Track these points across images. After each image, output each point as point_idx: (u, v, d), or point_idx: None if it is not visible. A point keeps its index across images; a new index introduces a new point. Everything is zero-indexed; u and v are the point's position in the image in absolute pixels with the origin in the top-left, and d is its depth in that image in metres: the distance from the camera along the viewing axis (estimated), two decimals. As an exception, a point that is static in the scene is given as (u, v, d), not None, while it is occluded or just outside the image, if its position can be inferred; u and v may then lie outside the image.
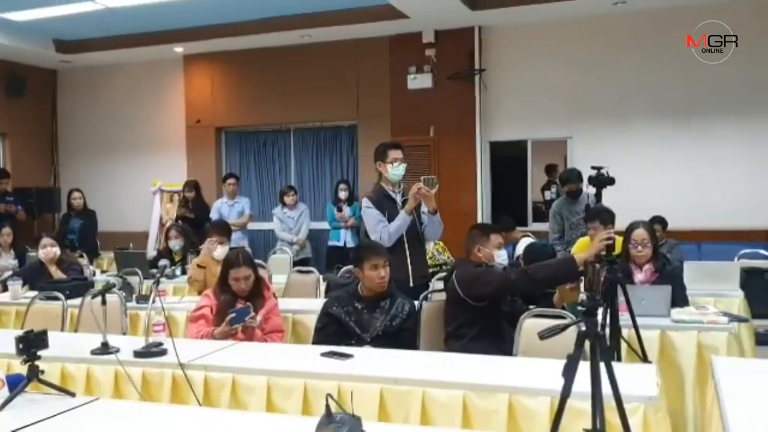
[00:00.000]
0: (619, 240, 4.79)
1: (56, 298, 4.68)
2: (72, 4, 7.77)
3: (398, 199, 4.57)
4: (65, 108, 10.89)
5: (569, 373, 1.99)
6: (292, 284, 5.81)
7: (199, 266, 5.11)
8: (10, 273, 5.99)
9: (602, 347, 2.00)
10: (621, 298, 3.52)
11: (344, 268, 5.82)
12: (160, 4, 7.72)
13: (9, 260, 6.98)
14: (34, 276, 5.59)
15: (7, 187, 8.90)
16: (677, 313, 3.95)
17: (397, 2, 7.52)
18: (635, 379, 2.71)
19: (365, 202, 4.60)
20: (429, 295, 4.23)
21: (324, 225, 8.80)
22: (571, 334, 3.27)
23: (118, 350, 3.35)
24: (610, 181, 5.61)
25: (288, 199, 8.24)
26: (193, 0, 7.64)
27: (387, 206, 4.51)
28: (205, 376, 3.13)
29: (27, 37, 9.16)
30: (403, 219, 4.42)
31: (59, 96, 10.91)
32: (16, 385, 2.69)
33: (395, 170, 4.55)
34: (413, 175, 7.66)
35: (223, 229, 5.35)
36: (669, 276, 4.34)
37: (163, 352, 3.31)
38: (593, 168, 5.61)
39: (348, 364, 3.14)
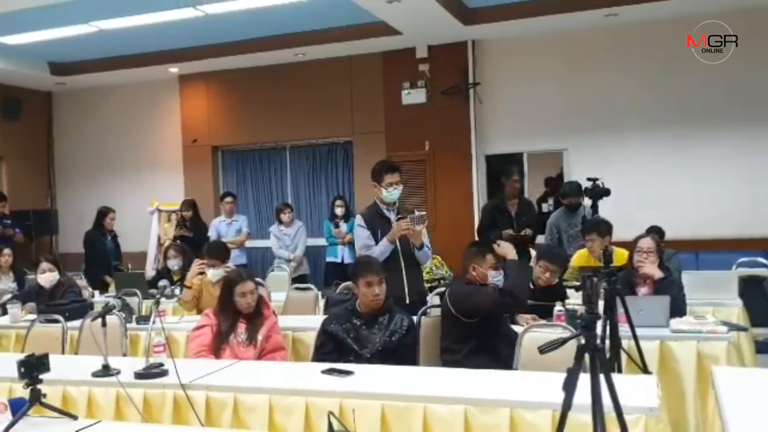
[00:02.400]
0: (620, 251, 4.83)
1: (56, 321, 4.67)
2: (66, 27, 7.80)
3: (392, 217, 4.58)
4: (61, 130, 10.92)
5: (570, 386, 2.00)
6: (290, 301, 5.81)
7: (186, 286, 5.12)
8: (9, 296, 5.97)
9: (602, 360, 2.01)
10: (620, 310, 3.53)
11: (343, 285, 5.83)
12: (154, 25, 7.75)
13: (9, 283, 6.95)
14: (33, 299, 5.58)
15: (5, 210, 8.89)
16: (676, 323, 3.97)
17: (390, 19, 7.58)
18: (636, 390, 2.72)
19: (358, 219, 4.68)
20: (428, 311, 4.24)
21: (321, 241, 8.81)
22: (572, 347, 3.32)
23: (119, 372, 3.34)
24: (606, 192, 5.66)
25: (284, 217, 8.23)
26: (187, 20, 7.67)
27: (380, 225, 4.55)
28: (206, 396, 3.12)
29: (22, 60, 9.20)
30: (385, 246, 4.45)
31: (55, 118, 10.94)
32: (18, 408, 2.69)
33: (390, 194, 4.59)
34: (409, 190, 7.76)
35: (217, 252, 5.27)
36: (668, 284, 4.36)
37: (164, 373, 3.31)
38: (589, 179, 5.67)
39: (349, 381, 3.14)
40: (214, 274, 5.02)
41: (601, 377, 2.03)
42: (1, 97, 9.98)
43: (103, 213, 8.28)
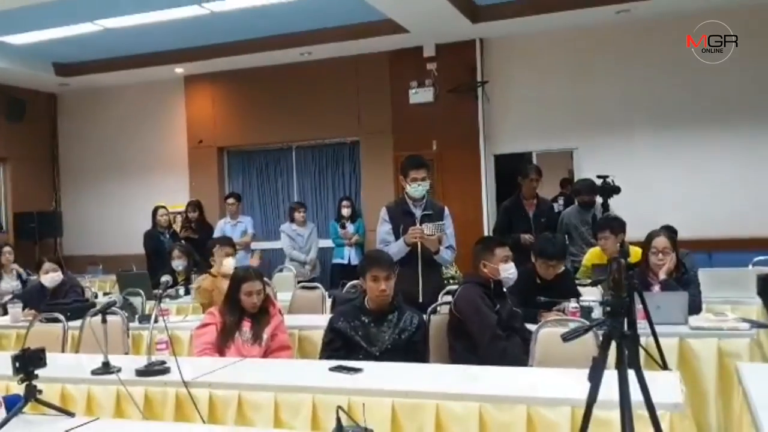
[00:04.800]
0: (634, 249, 4.70)
1: (57, 320, 4.57)
2: (71, 26, 7.75)
3: (418, 214, 4.54)
4: (66, 131, 10.86)
5: (595, 376, 1.88)
6: (297, 301, 5.70)
7: (211, 275, 5.05)
8: (10, 296, 5.89)
9: (630, 349, 1.88)
10: (638, 306, 3.41)
11: (349, 284, 5.73)
12: (159, 24, 7.71)
13: (11, 282, 6.86)
14: (35, 299, 5.49)
15: None
16: (695, 320, 3.86)
17: (397, 17, 7.50)
18: (658, 386, 2.59)
19: (383, 212, 4.66)
20: (438, 308, 4.13)
21: (328, 243, 8.70)
22: (590, 341, 3.20)
23: (119, 370, 3.24)
24: (616, 189, 5.54)
25: (298, 216, 8.00)
26: (193, 20, 7.62)
27: (403, 220, 4.51)
28: (209, 394, 3.01)
29: (26, 60, 9.15)
30: (399, 247, 4.41)
31: (59, 119, 10.89)
32: (13, 405, 2.59)
33: (414, 189, 4.55)
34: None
35: (231, 243, 5.37)
36: (685, 282, 4.24)
37: (166, 371, 3.21)
38: (599, 177, 5.56)
39: (357, 378, 3.03)
40: (229, 264, 5.00)
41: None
42: (5, 99, 9.93)
43: (154, 210, 8.15)
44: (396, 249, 4.39)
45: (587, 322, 3.38)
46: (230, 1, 7.12)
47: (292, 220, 8.05)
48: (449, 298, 4.16)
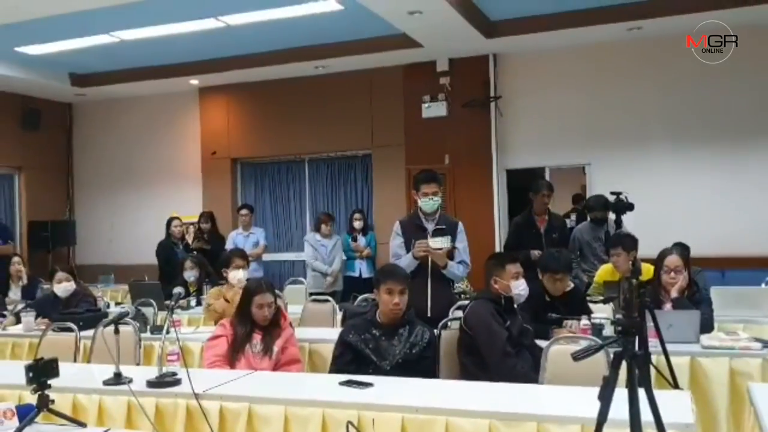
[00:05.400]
0: (646, 266, 4.69)
1: (69, 330, 4.60)
2: (87, 38, 7.84)
3: (430, 228, 4.57)
4: (80, 141, 10.97)
5: (606, 395, 1.87)
6: (308, 314, 5.71)
7: (225, 299, 5.02)
8: (23, 305, 5.92)
9: (641, 368, 1.88)
10: (649, 324, 3.40)
11: (360, 297, 5.74)
12: (175, 36, 7.77)
13: (19, 293, 6.91)
14: (47, 308, 5.52)
15: None
16: (707, 339, 3.83)
17: (412, 32, 7.53)
18: (669, 405, 2.57)
19: (396, 225, 4.71)
20: (448, 323, 4.12)
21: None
22: (600, 359, 3.19)
23: (131, 380, 3.25)
24: (630, 206, 5.54)
25: (324, 228, 7.89)
26: (209, 33, 7.69)
27: (415, 235, 4.53)
28: (220, 406, 3.02)
29: (43, 70, 9.25)
30: (409, 260, 4.45)
31: (74, 129, 11.00)
32: (26, 415, 2.61)
33: (425, 203, 4.59)
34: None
35: (243, 255, 5.35)
36: (697, 301, 4.22)
37: (177, 382, 3.22)
38: (612, 193, 5.55)
39: (368, 392, 3.03)
40: (242, 276, 4.99)
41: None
42: (22, 108, 10.05)
43: (168, 221, 8.20)
44: (405, 263, 4.42)
45: (598, 340, 3.38)
46: (246, 15, 7.17)
47: (318, 230, 7.96)
48: (460, 313, 4.15)
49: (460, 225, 4.70)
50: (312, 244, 7.91)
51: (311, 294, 6.78)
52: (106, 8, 6.36)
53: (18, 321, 5.47)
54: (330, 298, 5.89)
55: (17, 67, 8.91)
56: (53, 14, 6.52)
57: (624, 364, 1.93)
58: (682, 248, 5.62)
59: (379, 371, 3.54)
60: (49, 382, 2.68)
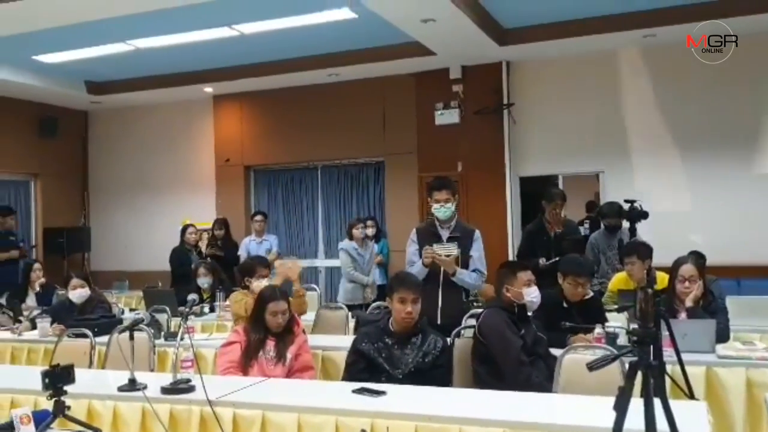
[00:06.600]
0: (661, 275, 4.66)
1: (84, 336, 4.63)
2: (103, 46, 7.91)
3: (444, 235, 4.59)
4: (96, 148, 11.06)
5: (621, 406, 1.86)
6: (320, 321, 5.72)
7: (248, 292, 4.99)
8: (38, 311, 5.97)
9: (657, 379, 1.87)
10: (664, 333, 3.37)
11: (373, 305, 5.74)
12: (189, 45, 7.83)
13: (34, 299, 6.96)
14: (63, 314, 5.56)
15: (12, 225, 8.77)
16: (723, 348, 3.79)
17: (425, 39, 7.55)
18: (685, 416, 2.55)
19: (412, 232, 4.75)
20: (462, 332, 4.11)
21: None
22: (615, 368, 3.17)
23: (145, 387, 3.28)
24: (644, 214, 5.51)
25: (357, 233, 7.49)
26: (223, 41, 7.74)
27: (429, 242, 4.54)
28: (233, 413, 3.03)
29: (59, 78, 9.35)
30: (420, 268, 4.47)
31: (90, 136, 11.10)
32: (42, 421, 2.63)
33: (438, 211, 4.61)
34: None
35: (266, 264, 5.26)
36: (712, 311, 4.18)
37: (191, 389, 3.24)
38: (626, 201, 5.52)
39: (381, 401, 3.03)
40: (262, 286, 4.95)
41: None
42: (39, 116, 10.15)
43: (184, 228, 8.25)
44: (416, 270, 4.44)
45: (613, 349, 3.35)
46: (260, 24, 7.22)
47: (351, 238, 7.55)
48: (473, 321, 4.14)
49: (477, 233, 4.69)
50: (350, 253, 7.44)
51: (349, 306, 6.42)
52: (122, 17, 6.42)
53: (34, 327, 5.52)
54: (342, 306, 5.90)
55: (34, 75, 9.01)
56: (70, 23, 6.59)
57: (639, 375, 1.92)
58: (697, 257, 5.59)
59: (392, 379, 3.53)
60: (65, 388, 2.70)
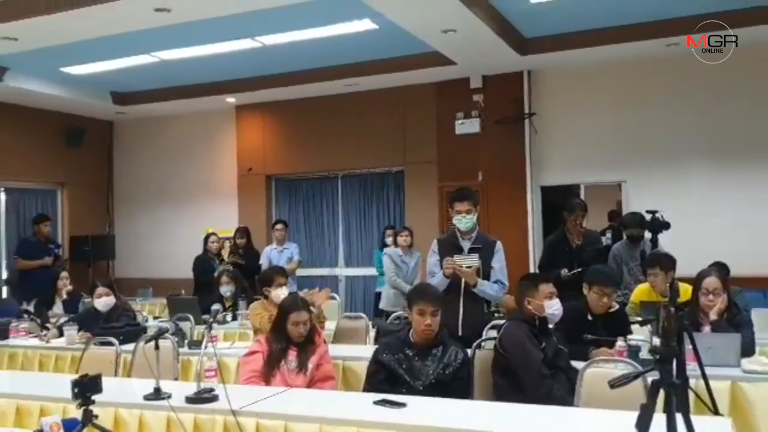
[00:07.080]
0: (685, 287, 4.62)
1: (110, 344, 4.71)
2: (129, 58, 8.05)
3: (465, 246, 4.60)
4: (121, 158, 11.22)
5: (643, 424, 1.86)
6: (341, 330, 5.74)
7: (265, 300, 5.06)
8: (66, 319, 6.06)
9: (679, 397, 1.87)
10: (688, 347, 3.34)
11: (394, 314, 5.75)
12: (213, 56, 7.94)
13: (61, 306, 7.07)
14: (88, 322, 5.65)
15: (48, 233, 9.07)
16: (749, 363, 3.75)
17: (445, 49, 7.57)
18: (709, 432, 2.55)
19: (433, 243, 4.77)
20: (482, 344, 4.11)
21: (372, 271, 8.75)
22: (637, 382, 3.15)
23: (170, 396, 3.33)
24: (666, 225, 5.45)
25: (401, 240, 7.39)
26: (245, 53, 7.83)
27: (450, 253, 4.56)
28: (256, 423, 3.07)
29: (86, 89, 9.51)
30: (440, 279, 4.49)
31: (115, 146, 11.27)
32: (71, 429, 2.69)
33: (459, 222, 4.62)
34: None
35: (284, 273, 5.31)
36: (737, 324, 4.13)
37: (215, 398, 3.28)
38: (648, 212, 5.48)
39: (401, 412, 3.05)
40: (283, 293, 4.98)
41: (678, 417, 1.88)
42: (66, 126, 10.32)
43: (206, 237, 8.35)
44: (437, 281, 4.46)
45: (635, 363, 3.34)
46: (282, 35, 7.30)
47: (393, 245, 7.50)
48: (494, 333, 4.14)
49: (498, 244, 4.69)
50: (395, 260, 7.33)
51: (386, 313, 6.44)
52: (147, 30, 6.52)
53: (61, 334, 5.61)
54: (363, 315, 5.91)
55: (62, 86, 9.18)
56: (97, 36, 6.71)
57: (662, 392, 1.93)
58: (720, 268, 5.53)
59: (412, 391, 3.54)
60: (92, 397, 2.76)
